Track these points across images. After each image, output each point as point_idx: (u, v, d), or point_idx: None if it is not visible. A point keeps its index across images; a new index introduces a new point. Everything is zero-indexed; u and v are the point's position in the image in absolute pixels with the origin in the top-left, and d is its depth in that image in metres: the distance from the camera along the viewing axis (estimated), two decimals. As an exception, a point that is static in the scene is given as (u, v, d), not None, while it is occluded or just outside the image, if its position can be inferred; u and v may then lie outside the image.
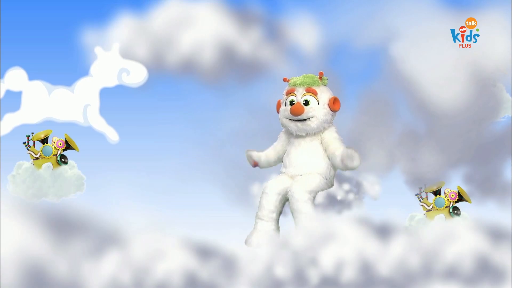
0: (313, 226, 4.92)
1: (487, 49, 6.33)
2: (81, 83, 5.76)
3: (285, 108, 5.48)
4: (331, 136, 5.49)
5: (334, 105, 5.46)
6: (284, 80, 5.58)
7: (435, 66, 6.43)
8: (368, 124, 6.62)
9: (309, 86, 5.46)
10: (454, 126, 6.51)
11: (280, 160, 5.68)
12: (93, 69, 5.75)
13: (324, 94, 5.47)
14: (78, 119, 5.77)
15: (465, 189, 6.20)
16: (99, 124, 5.75)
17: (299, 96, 5.44)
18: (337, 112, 5.55)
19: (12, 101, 5.84)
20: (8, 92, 5.85)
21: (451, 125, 6.52)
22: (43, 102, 5.73)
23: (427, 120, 6.61)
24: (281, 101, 5.56)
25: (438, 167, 6.47)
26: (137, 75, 5.74)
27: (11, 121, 5.73)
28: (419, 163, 6.51)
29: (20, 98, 5.79)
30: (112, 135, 5.76)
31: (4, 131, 5.78)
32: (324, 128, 5.47)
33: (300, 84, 5.47)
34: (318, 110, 5.42)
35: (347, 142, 5.55)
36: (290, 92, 5.49)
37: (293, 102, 5.44)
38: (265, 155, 5.69)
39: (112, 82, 5.79)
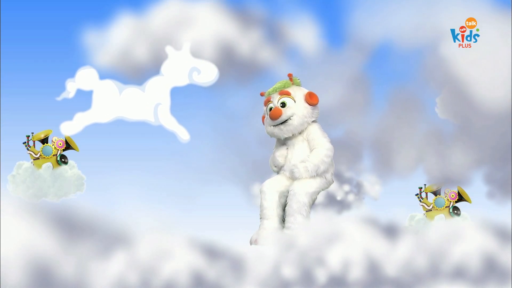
0: (309, 228, 4.93)
1: None
2: (152, 82, 5.66)
3: (267, 117, 5.56)
4: (313, 130, 5.53)
5: (311, 98, 5.52)
6: (261, 94, 5.66)
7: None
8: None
9: (281, 89, 5.56)
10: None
11: None
12: (164, 68, 5.64)
13: (299, 92, 5.55)
14: (149, 118, 5.67)
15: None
16: (170, 123, 5.66)
17: (275, 101, 5.54)
18: (318, 105, 5.56)
19: (82, 100, 5.73)
20: (79, 91, 5.75)
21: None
22: (114, 101, 5.61)
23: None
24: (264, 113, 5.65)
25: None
26: (208, 74, 5.64)
27: (82, 120, 5.63)
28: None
29: (91, 97, 5.68)
30: (183, 134, 5.67)
31: (76, 130, 5.69)
32: (308, 124, 5.52)
33: (273, 91, 5.58)
34: (296, 107, 5.49)
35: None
36: (267, 102, 5.60)
37: (272, 109, 5.51)
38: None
39: (183, 81, 5.68)
